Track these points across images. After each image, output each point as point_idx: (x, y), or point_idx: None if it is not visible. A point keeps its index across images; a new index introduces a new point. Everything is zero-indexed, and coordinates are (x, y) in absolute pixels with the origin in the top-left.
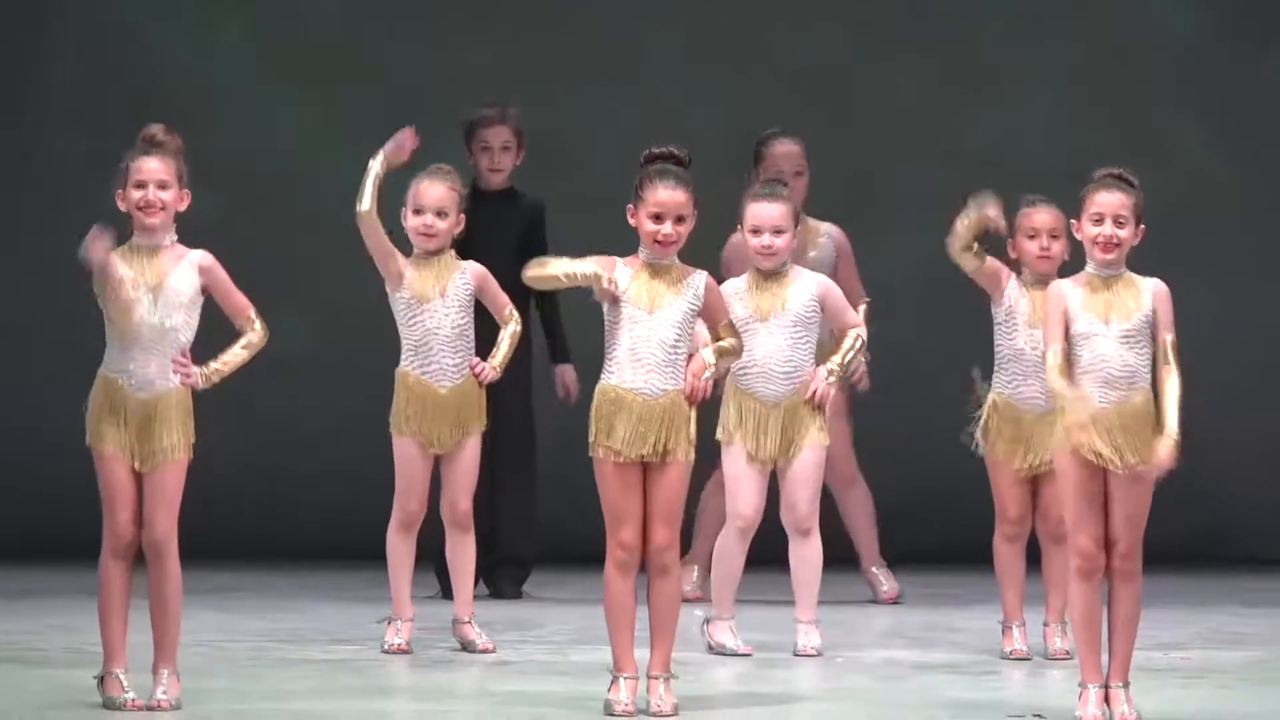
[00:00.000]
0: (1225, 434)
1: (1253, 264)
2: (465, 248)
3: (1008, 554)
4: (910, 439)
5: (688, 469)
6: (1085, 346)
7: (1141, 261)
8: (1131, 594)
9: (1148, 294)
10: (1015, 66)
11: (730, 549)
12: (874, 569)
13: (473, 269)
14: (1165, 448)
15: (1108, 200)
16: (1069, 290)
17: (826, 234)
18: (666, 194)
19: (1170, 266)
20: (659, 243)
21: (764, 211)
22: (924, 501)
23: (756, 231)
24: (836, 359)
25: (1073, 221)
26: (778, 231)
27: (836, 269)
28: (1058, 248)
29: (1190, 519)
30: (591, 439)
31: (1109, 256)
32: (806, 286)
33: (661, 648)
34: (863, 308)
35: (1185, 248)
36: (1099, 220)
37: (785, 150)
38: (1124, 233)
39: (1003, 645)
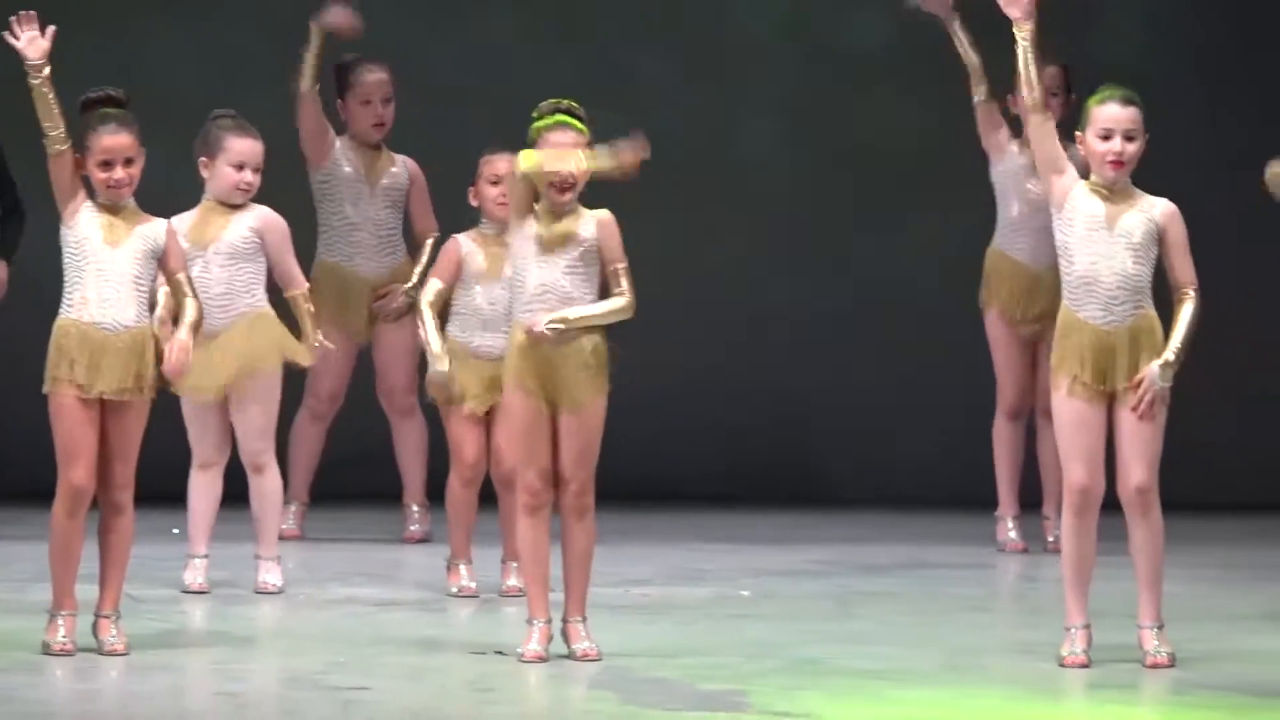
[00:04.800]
0: (688, 373)
1: (718, 203)
2: None
3: (461, 496)
4: None
5: (145, 407)
6: (528, 274)
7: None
8: (585, 531)
9: (590, 227)
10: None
11: (194, 487)
12: (414, 506)
13: None
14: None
15: (561, 140)
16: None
17: (401, 164)
18: (111, 139)
19: (634, 202)
20: (111, 188)
21: (244, 147)
22: None
23: (239, 167)
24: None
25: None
26: (255, 169)
27: (409, 198)
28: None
29: (649, 457)
30: (49, 375)
31: (564, 198)
32: (247, 220)
33: (112, 586)
34: (429, 241)
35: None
36: (555, 180)
37: (378, 78)
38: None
39: (449, 583)
